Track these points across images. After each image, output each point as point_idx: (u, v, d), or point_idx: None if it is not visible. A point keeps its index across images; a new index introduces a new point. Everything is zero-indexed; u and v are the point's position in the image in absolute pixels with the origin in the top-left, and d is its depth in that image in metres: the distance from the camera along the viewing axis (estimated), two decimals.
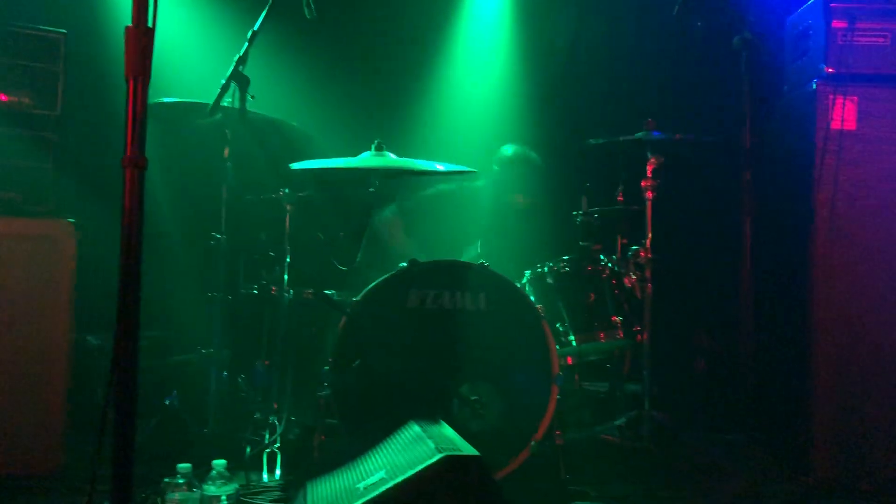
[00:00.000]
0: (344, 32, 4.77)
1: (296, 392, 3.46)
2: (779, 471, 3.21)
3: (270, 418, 3.35)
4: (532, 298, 3.30)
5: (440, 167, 3.37)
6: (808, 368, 3.23)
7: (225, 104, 3.28)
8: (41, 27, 3.23)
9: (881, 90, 3.25)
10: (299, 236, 3.56)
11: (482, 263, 3.14)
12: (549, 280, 3.67)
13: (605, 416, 3.85)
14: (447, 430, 2.52)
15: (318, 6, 3.29)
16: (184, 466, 2.50)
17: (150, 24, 1.65)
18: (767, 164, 3.59)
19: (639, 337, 3.61)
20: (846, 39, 3.28)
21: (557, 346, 3.21)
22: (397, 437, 2.55)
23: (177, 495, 2.45)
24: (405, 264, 3.10)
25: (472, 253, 3.95)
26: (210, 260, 3.49)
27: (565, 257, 3.72)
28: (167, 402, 3.53)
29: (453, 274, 3.13)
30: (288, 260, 3.51)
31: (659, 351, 3.63)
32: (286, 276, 3.50)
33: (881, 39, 3.29)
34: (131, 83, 1.63)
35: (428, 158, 3.41)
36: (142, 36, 1.63)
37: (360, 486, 2.25)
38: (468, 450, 2.24)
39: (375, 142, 3.30)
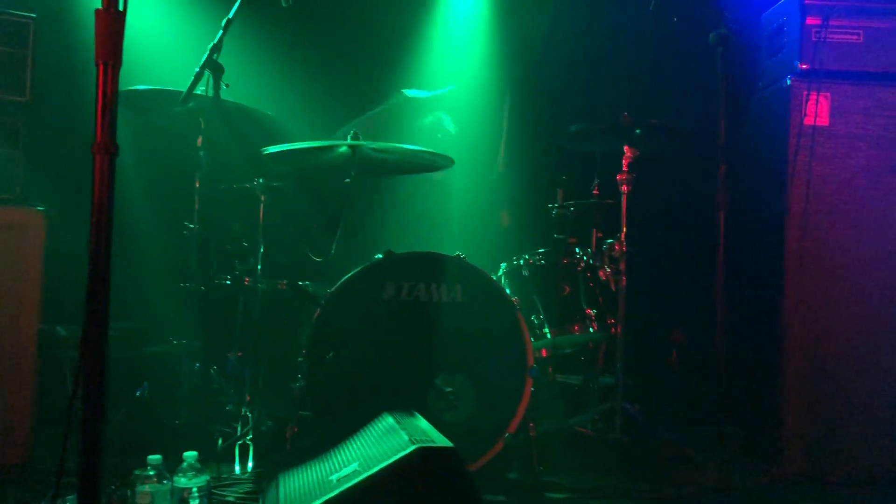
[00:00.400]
0: (320, 21, 4.73)
1: (269, 384, 3.44)
2: (749, 463, 3.25)
3: (243, 410, 3.33)
4: (508, 291, 3.31)
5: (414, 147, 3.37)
6: (778, 362, 3.27)
7: (198, 93, 3.24)
8: (9, 11, 3.16)
9: (853, 87, 3.29)
10: (273, 227, 3.53)
11: (458, 255, 3.14)
12: (525, 272, 3.68)
13: (579, 409, 3.86)
14: (421, 422, 2.51)
15: None
16: (154, 458, 2.47)
17: (120, 8, 1.62)
18: (742, 158, 3.62)
19: (613, 330, 3.63)
20: (820, 36, 3.31)
21: (532, 339, 3.21)
22: (371, 428, 2.54)
23: (147, 487, 2.42)
24: (380, 255, 3.09)
25: None
26: (183, 250, 3.45)
27: (541, 250, 3.73)
28: (138, 394, 3.49)
29: (429, 265, 3.12)
30: (262, 250, 3.48)
31: (632, 344, 3.65)
32: (259, 267, 3.48)
33: (854, 37, 3.32)
34: (101, 68, 1.60)
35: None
36: (112, 19, 1.60)
37: (333, 478, 2.23)
38: (442, 441, 2.24)
39: (352, 132, 3.28)
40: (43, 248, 3.10)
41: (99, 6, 1.62)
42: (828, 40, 3.30)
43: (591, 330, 3.63)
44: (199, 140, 3.37)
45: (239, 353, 3.53)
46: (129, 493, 2.46)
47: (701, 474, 3.16)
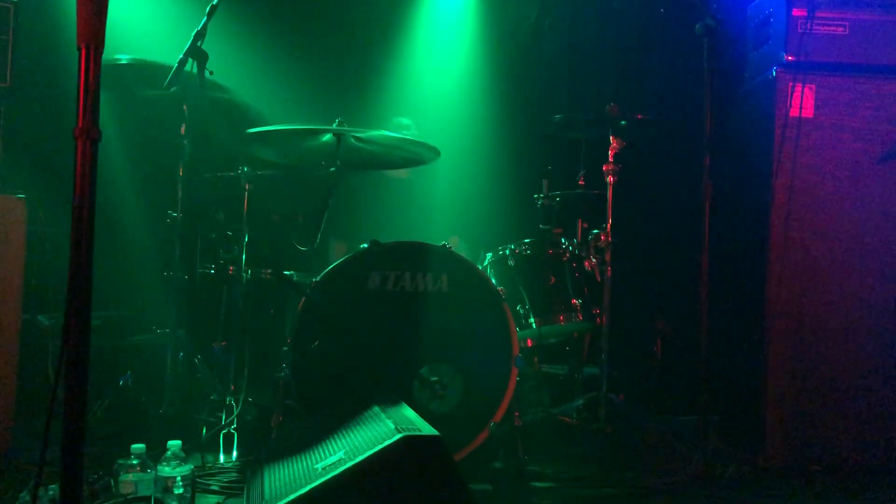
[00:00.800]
0: (306, 9, 4.70)
1: (253, 373, 3.42)
2: (733, 453, 3.27)
3: (227, 399, 3.31)
4: (493, 281, 3.31)
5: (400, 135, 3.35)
6: (761, 352, 3.29)
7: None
8: None
9: (839, 79, 3.31)
10: (258, 215, 3.51)
11: (444, 245, 3.13)
12: (511, 262, 3.68)
13: (564, 398, 3.88)
14: (407, 411, 2.50)
15: None
16: (138, 447, 2.45)
17: None
18: (727, 149, 3.63)
19: (598, 320, 3.64)
20: (806, 28, 3.32)
21: (517, 329, 3.21)
22: (356, 417, 2.53)
23: (130, 476, 2.41)
24: (366, 245, 3.08)
25: None
26: (166, 239, 3.43)
27: (526, 240, 3.73)
28: (121, 383, 3.48)
29: (414, 255, 3.11)
30: (246, 239, 3.46)
31: (617, 334, 3.66)
32: (244, 256, 3.45)
33: (840, 29, 3.34)
34: (83, 51, 1.57)
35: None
36: (94, 3, 1.57)
37: (319, 466, 2.23)
38: (428, 430, 2.23)
39: (337, 120, 3.26)
40: (24, 236, 3.07)
41: None
42: (814, 32, 3.31)
43: (576, 320, 3.64)
44: (183, 128, 3.34)
45: (223, 343, 3.51)
46: (112, 482, 2.45)
47: (684, 463, 3.18)
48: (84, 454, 1.60)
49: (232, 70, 3.83)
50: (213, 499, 2.72)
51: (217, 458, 3.11)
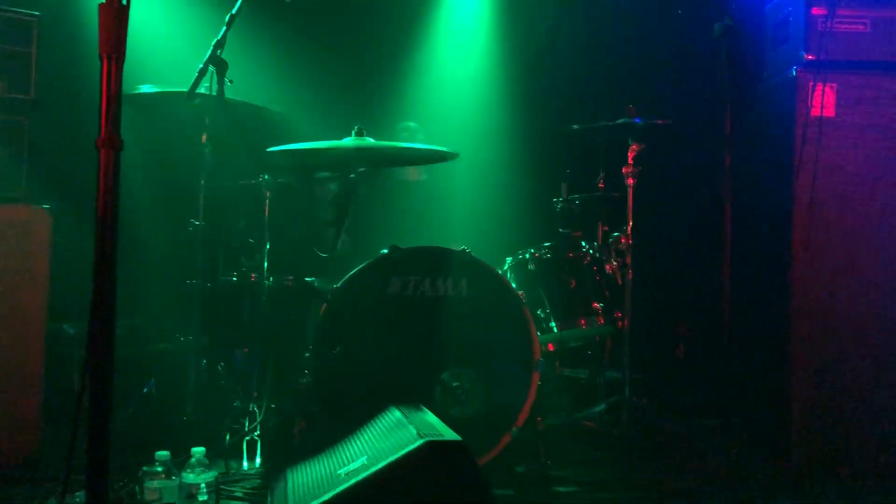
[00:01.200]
0: (323, 16, 4.72)
1: (276, 379, 3.44)
2: (757, 455, 3.24)
3: (250, 406, 3.33)
4: (513, 285, 3.30)
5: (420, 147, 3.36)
6: (785, 353, 3.25)
7: (202, 90, 3.24)
8: (13, 9, 3.17)
9: (860, 77, 3.26)
10: (279, 223, 3.53)
11: (464, 249, 3.13)
12: (531, 266, 3.67)
13: (586, 403, 3.86)
14: (429, 416, 2.51)
15: None
16: (162, 454, 2.47)
17: (123, 2, 1.61)
18: (748, 150, 3.60)
19: (619, 323, 3.62)
20: (826, 26, 3.29)
21: (538, 333, 3.20)
22: (378, 423, 2.54)
23: (155, 483, 2.43)
24: (386, 250, 3.08)
25: None
26: (188, 247, 3.45)
27: (546, 244, 3.72)
28: (145, 391, 3.50)
29: (434, 260, 3.11)
30: (268, 247, 3.48)
31: (639, 337, 3.64)
32: (266, 263, 3.47)
33: (861, 26, 3.30)
34: (105, 61, 1.59)
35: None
36: (116, 13, 1.59)
37: (342, 472, 2.23)
38: (450, 435, 2.23)
39: (356, 127, 3.27)
40: (49, 245, 3.11)
41: (102, 2, 1.62)
42: (834, 30, 3.27)
43: (597, 324, 3.62)
44: (204, 137, 3.37)
45: (245, 350, 3.53)
46: (137, 489, 2.47)
47: (708, 467, 3.15)
48: (109, 461, 1.62)
49: (253, 77, 3.86)
50: None
51: (240, 465, 3.13)
